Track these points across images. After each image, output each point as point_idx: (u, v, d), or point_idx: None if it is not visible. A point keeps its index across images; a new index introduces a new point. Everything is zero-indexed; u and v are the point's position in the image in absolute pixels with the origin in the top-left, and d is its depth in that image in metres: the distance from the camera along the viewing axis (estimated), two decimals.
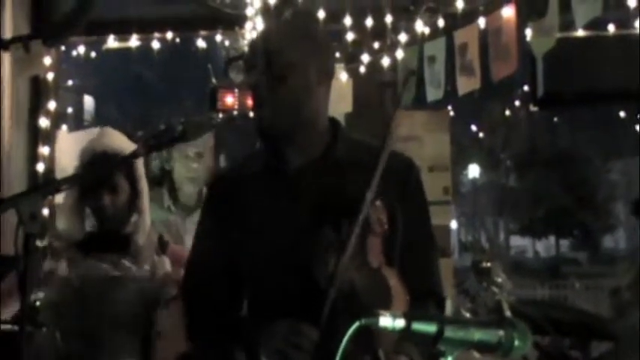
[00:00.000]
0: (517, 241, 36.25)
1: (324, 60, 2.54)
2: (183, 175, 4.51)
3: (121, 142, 3.39)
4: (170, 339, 3.43)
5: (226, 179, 2.69)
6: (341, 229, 2.32)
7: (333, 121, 2.61)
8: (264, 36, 2.58)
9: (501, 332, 1.80)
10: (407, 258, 2.44)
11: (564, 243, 35.47)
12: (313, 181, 2.49)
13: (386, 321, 1.71)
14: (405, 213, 2.46)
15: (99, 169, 3.31)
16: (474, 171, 33.11)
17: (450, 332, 1.76)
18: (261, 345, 2.38)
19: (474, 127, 23.98)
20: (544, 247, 36.80)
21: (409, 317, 1.73)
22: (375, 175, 2.30)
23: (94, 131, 6.44)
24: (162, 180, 4.62)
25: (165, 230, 4.46)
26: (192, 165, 4.51)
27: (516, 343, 1.80)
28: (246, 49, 6.24)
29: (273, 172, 2.54)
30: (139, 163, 3.42)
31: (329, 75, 2.55)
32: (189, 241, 4.35)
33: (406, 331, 1.73)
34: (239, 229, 2.53)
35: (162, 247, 3.48)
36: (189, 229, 4.46)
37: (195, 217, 4.49)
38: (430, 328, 1.75)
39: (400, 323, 1.72)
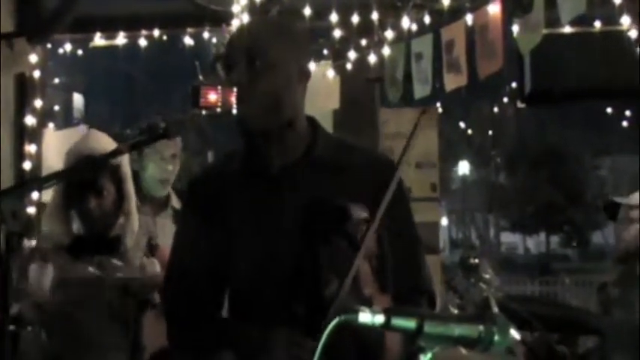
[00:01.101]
0: (507, 238, 36.34)
1: (302, 59, 2.55)
2: (156, 176, 4.47)
3: (106, 145, 3.36)
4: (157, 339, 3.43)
5: (207, 179, 2.67)
6: (332, 242, 2.30)
7: (312, 120, 2.61)
8: (244, 33, 2.57)
9: (481, 327, 1.80)
10: (394, 257, 2.43)
11: (554, 239, 35.54)
12: (296, 182, 2.48)
13: (365, 317, 1.71)
14: (389, 214, 2.44)
15: (85, 172, 3.30)
16: (464, 168, 33.15)
17: (429, 328, 1.75)
18: (255, 356, 2.37)
19: (462, 125, 24.01)
20: (534, 243, 36.88)
21: (389, 313, 1.73)
22: (380, 209, 2.23)
23: (81, 129, 6.44)
24: None
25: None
26: (166, 167, 4.48)
27: (496, 338, 1.80)
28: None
29: (255, 172, 2.53)
30: (125, 166, 3.41)
31: (307, 74, 2.56)
32: (162, 238, 4.36)
33: (386, 326, 1.72)
34: (221, 230, 2.51)
35: (151, 249, 3.47)
36: (160, 228, 4.45)
37: (164, 216, 4.50)
38: (410, 323, 1.75)
39: (380, 319, 1.72)
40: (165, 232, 4.38)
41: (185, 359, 2.61)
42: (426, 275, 2.59)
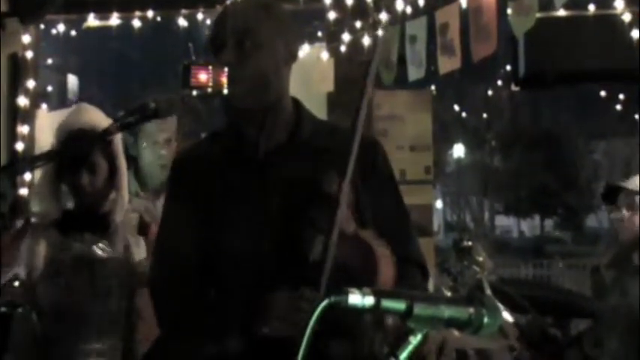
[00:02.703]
0: (502, 221, 36.36)
1: (290, 40, 2.57)
2: (152, 161, 4.43)
3: (97, 118, 3.34)
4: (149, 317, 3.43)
5: (191, 158, 2.68)
6: (319, 210, 2.31)
7: (296, 102, 2.62)
8: (232, 13, 2.56)
9: (471, 309, 1.80)
10: (383, 230, 2.43)
11: (549, 222, 35.59)
12: (281, 163, 2.50)
13: (355, 298, 1.70)
14: (374, 188, 2.48)
15: (76, 147, 3.27)
16: (458, 151, 33.15)
17: (419, 309, 1.75)
18: (255, 318, 2.37)
19: (456, 107, 23.99)
20: (529, 226, 36.93)
21: (378, 294, 1.72)
22: (349, 162, 2.28)
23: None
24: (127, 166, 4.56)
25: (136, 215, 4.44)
26: (160, 151, 4.46)
27: (486, 320, 1.80)
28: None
29: (239, 153, 2.54)
30: (117, 140, 3.39)
31: (294, 56, 2.58)
32: None
33: (375, 308, 1.72)
34: (207, 214, 2.52)
35: (143, 228, 3.46)
36: (159, 211, 4.43)
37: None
38: (399, 305, 1.74)
39: (369, 300, 1.71)
40: None
41: (175, 339, 2.61)
42: (416, 247, 2.61)
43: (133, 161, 4.48)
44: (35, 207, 3.40)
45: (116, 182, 3.38)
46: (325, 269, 2.22)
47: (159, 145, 4.44)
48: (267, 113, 2.52)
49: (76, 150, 3.26)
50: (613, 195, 4.50)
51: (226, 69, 2.47)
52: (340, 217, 2.24)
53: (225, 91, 2.48)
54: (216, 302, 2.54)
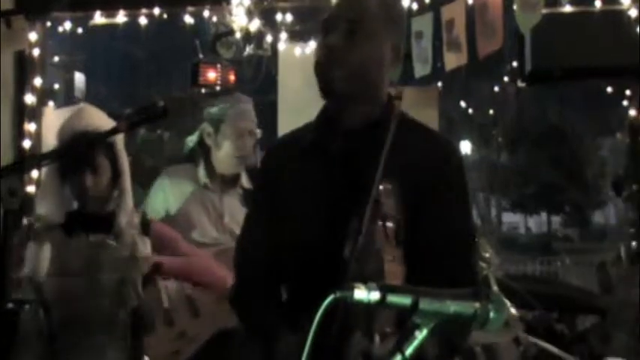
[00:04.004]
0: (509, 218, 36.32)
1: (398, 38, 2.55)
2: (229, 153, 4.38)
3: (100, 120, 3.35)
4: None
5: (278, 152, 2.67)
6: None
7: (390, 98, 2.56)
8: (351, 1, 2.56)
9: (477, 304, 1.80)
10: (441, 252, 2.38)
11: (556, 219, 35.54)
12: (357, 156, 2.45)
13: (361, 294, 1.71)
14: (438, 202, 2.41)
15: (80, 149, 3.28)
16: (465, 147, 33.12)
17: (425, 304, 1.75)
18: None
19: (463, 104, 23.94)
20: (535, 223, 36.88)
21: (384, 289, 1.73)
22: (382, 154, 2.24)
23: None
24: (196, 155, 4.51)
25: (201, 208, 4.42)
26: (244, 143, 4.38)
27: (492, 315, 1.80)
28: (237, 22, 6.20)
29: (322, 145, 2.51)
30: (119, 141, 3.39)
31: (398, 57, 2.55)
32: (227, 216, 4.31)
33: (381, 303, 1.73)
34: (288, 211, 2.51)
35: (145, 225, 3.47)
36: (226, 207, 4.41)
37: (232, 194, 4.40)
38: (405, 300, 1.75)
39: (375, 296, 1.72)
40: (232, 210, 4.36)
41: (255, 338, 2.60)
42: (474, 276, 2.51)
43: (203, 152, 4.46)
44: (39, 209, 3.39)
45: (120, 184, 3.38)
46: (348, 273, 2.17)
47: (243, 137, 4.40)
48: (359, 105, 2.50)
49: (79, 152, 3.26)
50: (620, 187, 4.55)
51: (324, 50, 2.47)
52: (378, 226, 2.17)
53: (319, 74, 2.47)
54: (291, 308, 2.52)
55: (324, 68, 2.48)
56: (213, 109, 4.43)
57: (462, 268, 2.45)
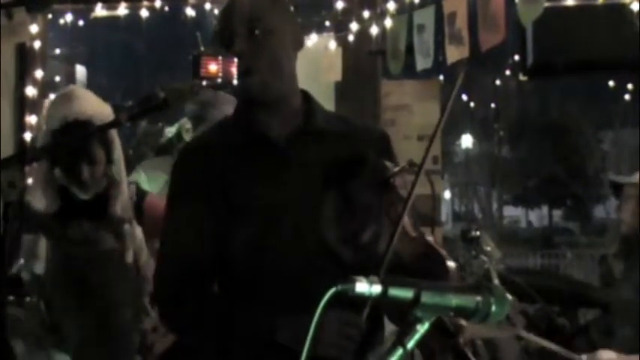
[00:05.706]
0: (510, 211, 36.32)
1: (296, 27, 2.57)
2: None
3: (92, 106, 3.26)
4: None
5: (203, 148, 2.60)
6: (347, 195, 2.30)
7: (303, 91, 2.60)
8: (239, 4, 2.52)
9: (479, 298, 1.79)
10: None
11: (557, 213, 35.52)
12: (302, 151, 2.48)
13: (362, 287, 1.70)
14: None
15: (74, 140, 3.18)
16: (466, 141, 33.10)
17: (426, 298, 1.74)
18: (297, 338, 2.20)
19: (465, 97, 23.94)
20: (537, 217, 36.87)
21: (386, 283, 1.72)
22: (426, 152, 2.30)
23: None
24: (173, 148, 4.51)
25: None
26: None
27: (493, 308, 1.79)
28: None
29: (258, 142, 2.49)
30: (113, 130, 3.30)
31: (301, 43, 2.58)
32: None
33: (383, 296, 1.72)
34: (222, 204, 2.45)
35: (140, 197, 3.45)
36: None
37: None
38: (407, 293, 1.74)
39: (377, 289, 1.71)
40: None
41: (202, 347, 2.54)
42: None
43: (181, 144, 4.46)
44: (32, 201, 3.30)
45: (114, 172, 3.30)
46: (385, 262, 2.15)
47: None
48: (280, 101, 2.50)
49: (74, 142, 3.19)
50: (618, 188, 4.55)
51: (237, 60, 2.44)
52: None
53: (236, 82, 2.46)
54: (237, 303, 2.46)
55: (247, 76, 2.44)
56: (196, 107, 4.43)
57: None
